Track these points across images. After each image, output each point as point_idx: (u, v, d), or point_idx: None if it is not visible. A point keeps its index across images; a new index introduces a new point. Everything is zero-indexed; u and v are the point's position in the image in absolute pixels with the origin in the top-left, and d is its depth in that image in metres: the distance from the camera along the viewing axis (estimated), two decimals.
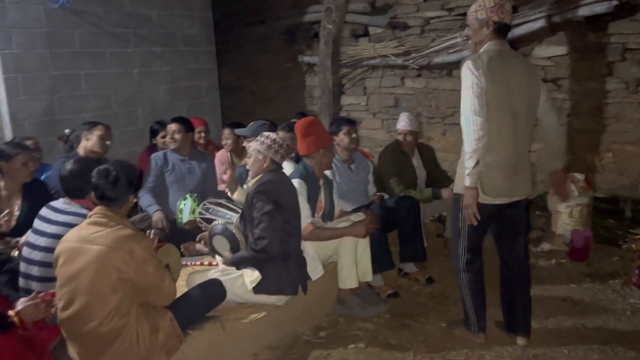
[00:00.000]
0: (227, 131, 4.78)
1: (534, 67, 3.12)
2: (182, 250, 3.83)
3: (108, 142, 3.95)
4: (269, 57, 7.16)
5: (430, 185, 4.26)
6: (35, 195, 3.34)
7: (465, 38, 5.18)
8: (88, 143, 3.87)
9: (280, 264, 2.98)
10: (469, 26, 2.81)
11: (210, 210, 3.63)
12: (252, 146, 3.13)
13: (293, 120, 4.69)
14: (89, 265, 2.36)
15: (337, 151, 3.85)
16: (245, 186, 3.74)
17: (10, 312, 2.31)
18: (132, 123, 5.36)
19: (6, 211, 3.07)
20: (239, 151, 4.78)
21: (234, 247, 3.09)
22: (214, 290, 2.77)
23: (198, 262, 3.71)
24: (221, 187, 4.60)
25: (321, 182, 3.45)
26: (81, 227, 2.48)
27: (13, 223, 3.00)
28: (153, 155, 4.22)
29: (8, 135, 4.44)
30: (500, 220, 2.90)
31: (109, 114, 5.12)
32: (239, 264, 3.02)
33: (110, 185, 2.46)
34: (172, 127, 4.12)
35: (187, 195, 3.96)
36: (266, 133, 3.16)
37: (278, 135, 3.22)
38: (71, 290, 2.39)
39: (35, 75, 4.59)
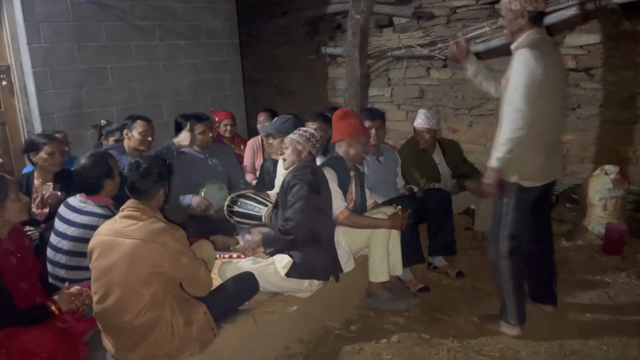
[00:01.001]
0: (261, 116, 4.77)
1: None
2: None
3: (150, 138, 3.89)
4: (291, 49, 7.12)
5: (457, 179, 4.21)
6: (67, 184, 3.38)
7: (494, 27, 5.10)
8: (130, 142, 3.84)
9: (311, 248, 2.98)
10: (504, 17, 2.81)
11: (239, 202, 3.63)
12: (292, 137, 3.17)
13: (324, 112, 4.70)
14: (123, 258, 2.37)
15: None
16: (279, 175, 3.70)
17: (49, 303, 2.33)
18: (158, 116, 5.36)
19: (38, 197, 3.12)
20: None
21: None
22: (247, 283, 2.76)
23: (227, 255, 3.71)
24: (249, 177, 4.59)
25: (352, 173, 3.42)
26: (114, 220, 2.49)
27: (47, 211, 3.03)
28: (176, 157, 4.18)
29: (37, 128, 4.48)
30: (539, 200, 2.89)
31: (135, 107, 5.13)
32: (268, 245, 3.05)
33: (140, 177, 2.46)
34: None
35: (206, 183, 3.93)
36: (306, 128, 3.22)
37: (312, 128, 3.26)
38: (106, 283, 2.40)
39: (64, 69, 4.61)
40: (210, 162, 4.14)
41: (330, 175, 3.24)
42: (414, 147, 4.06)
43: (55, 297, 2.39)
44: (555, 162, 2.85)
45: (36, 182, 3.44)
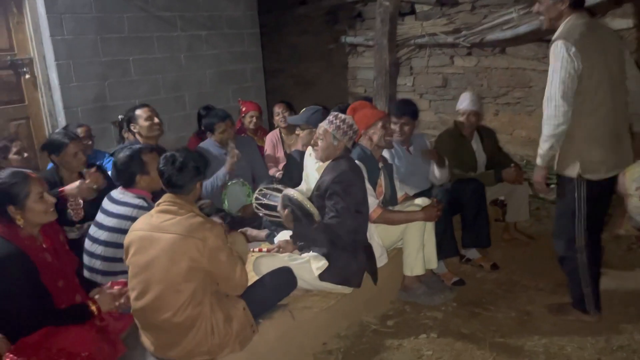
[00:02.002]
0: (279, 108, 4.69)
1: (615, 32, 3.06)
2: None
3: (156, 120, 3.79)
4: (310, 38, 7.02)
5: (491, 169, 4.10)
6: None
7: (521, 13, 4.96)
8: (142, 133, 3.78)
9: (348, 254, 2.89)
10: (541, 3, 2.71)
11: (268, 195, 3.55)
12: (325, 128, 2.98)
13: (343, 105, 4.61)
14: (162, 253, 2.31)
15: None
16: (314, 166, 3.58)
17: (89, 302, 2.28)
18: (180, 108, 5.31)
19: (73, 201, 3.06)
20: (290, 128, 4.69)
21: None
22: (285, 278, 2.70)
23: (257, 249, 3.66)
24: (272, 171, 4.53)
25: (380, 165, 3.33)
26: (150, 214, 2.43)
27: (82, 213, 2.98)
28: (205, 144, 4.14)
29: (62, 122, 4.44)
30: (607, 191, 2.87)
31: (157, 100, 5.07)
32: (301, 238, 2.95)
33: (176, 171, 2.40)
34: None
35: (228, 184, 3.89)
36: (341, 115, 3.02)
37: (349, 116, 3.09)
38: (144, 279, 2.35)
39: (87, 61, 4.56)
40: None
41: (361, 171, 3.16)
42: (454, 134, 3.95)
43: (96, 297, 2.34)
44: (620, 153, 2.74)
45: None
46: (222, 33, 5.64)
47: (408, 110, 3.73)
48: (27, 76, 4.39)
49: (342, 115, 3.01)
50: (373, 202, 3.12)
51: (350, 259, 2.89)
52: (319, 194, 2.95)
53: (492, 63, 5.56)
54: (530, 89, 5.34)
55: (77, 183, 2.99)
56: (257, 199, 3.58)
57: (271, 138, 4.74)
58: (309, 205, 2.93)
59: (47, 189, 2.34)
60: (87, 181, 3.02)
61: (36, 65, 4.42)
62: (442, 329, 2.96)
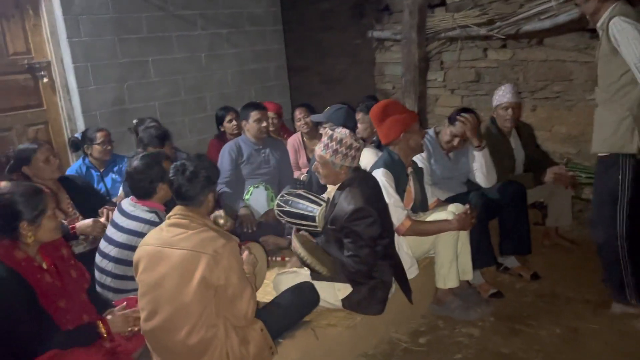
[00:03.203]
0: (300, 113, 4.48)
1: None
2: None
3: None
4: (336, 34, 6.79)
5: (529, 168, 3.82)
6: (77, 189, 3.19)
7: (561, 1, 4.64)
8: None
9: (374, 281, 2.65)
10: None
11: (290, 202, 3.34)
12: (320, 154, 2.66)
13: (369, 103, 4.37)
14: (172, 271, 2.14)
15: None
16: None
17: (99, 323, 2.12)
18: (201, 109, 5.16)
19: (84, 239, 2.93)
20: (311, 133, 4.50)
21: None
22: (307, 295, 2.50)
23: (279, 258, 3.48)
24: (296, 174, 4.35)
25: (409, 170, 3.08)
26: (161, 228, 2.26)
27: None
28: (226, 147, 3.98)
29: (80, 126, 4.33)
30: None
31: (177, 101, 4.94)
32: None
33: (187, 182, 2.22)
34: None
35: (251, 188, 3.73)
36: (336, 135, 2.62)
37: (346, 132, 2.67)
38: (154, 299, 2.18)
39: (105, 63, 4.45)
40: (263, 154, 3.91)
41: (388, 179, 2.90)
42: (491, 132, 3.67)
43: (108, 318, 2.18)
44: None
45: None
46: (244, 31, 5.46)
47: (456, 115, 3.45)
48: (45, 80, 4.31)
49: (338, 135, 2.60)
50: (401, 213, 2.88)
51: (376, 287, 2.66)
52: (335, 229, 2.65)
53: (528, 55, 5.24)
54: (570, 82, 5.01)
55: (90, 221, 2.82)
56: (278, 205, 3.39)
57: (292, 143, 4.55)
58: (318, 267, 2.61)
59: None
60: (102, 219, 2.87)
61: (54, 68, 4.32)
62: (480, 348, 2.72)
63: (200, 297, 2.12)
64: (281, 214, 3.37)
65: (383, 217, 2.68)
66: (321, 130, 3.79)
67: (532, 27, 4.93)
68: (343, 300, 2.63)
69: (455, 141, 3.42)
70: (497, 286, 3.30)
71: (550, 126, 5.22)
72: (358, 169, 2.74)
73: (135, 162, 2.67)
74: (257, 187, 3.77)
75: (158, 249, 2.19)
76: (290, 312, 2.43)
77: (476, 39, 5.50)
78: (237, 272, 2.18)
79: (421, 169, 3.20)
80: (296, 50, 7.05)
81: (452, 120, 3.46)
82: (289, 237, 3.70)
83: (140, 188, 2.65)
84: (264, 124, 3.91)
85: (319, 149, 2.68)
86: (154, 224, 2.56)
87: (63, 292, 2.11)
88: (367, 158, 3.24)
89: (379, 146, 3.46)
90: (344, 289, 2.63)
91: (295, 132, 5.10)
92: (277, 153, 4.04)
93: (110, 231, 2.65)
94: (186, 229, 2.21)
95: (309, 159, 4.50)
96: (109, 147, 3.94)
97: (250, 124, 3.87)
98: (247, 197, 3.72)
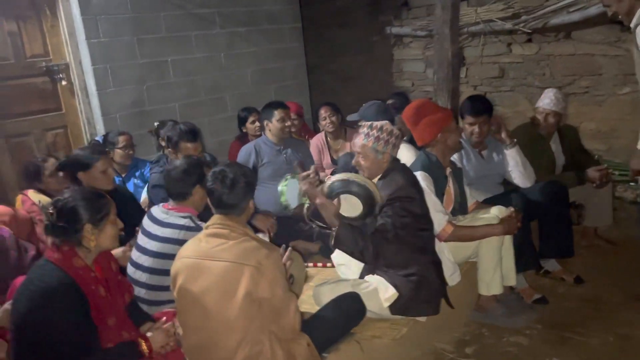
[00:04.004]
0: (325, 111, 4.34)
1: None
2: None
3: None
4: (352, 31, 6.65)
5: (568, 169, 3.68)
6: (124, 203, 3.08)
7: None
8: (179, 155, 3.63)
9: (418, 278, 2.52)
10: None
11: None
12: (361, 144, 2.55)
13: (390, 101, 4.24)
14: (214, 285, 2.03)
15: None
16: None
17: (140, 341, 2.00)
18: (221, 110, 5.04)
19: None
20: (336, 132, 4.37)
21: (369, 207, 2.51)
22: (352, 307, 2.37)
23: (311, 264, 3.36)
24: (321, 175, 4.22)
25: (448, 171, 2.95)
26: (199, 239, 2.15)
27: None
28: (244, 149, 3.85)
29: (100, 130, 4.22)
30: None
31: (197, 102, 4.83)
32: (343, 242, 2.42)
33: (227, 190, 2.11)
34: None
35: (288, 176, 3.58)
36: (376, 124, 2.57)
37: (385, 121, 2.65)
38: (195, 314, 2.07)
39: (124, 64, 4.33)
40: (285, 155, 3.78)
41: (427, 182, 2.75)
42: (529, 133, 3.52)
43: (149, 334, 2.07)
44: None
45: None
46: (262, 29, 5.34)
47: (483, 109, 3.27)
48: (64, 83, 4.19)
49: (377, 124, 2.57)
50: (442, 218, 2.74)
51: (422, 285, 2.52)
52: (375, 214, 2.53)
53: (555, 49, 5.09)
54: (599, 77, 4.87)
55: (120, 251, 2.68)
56: (308, 209, 3.27)
57: (316, 143, 4.42)
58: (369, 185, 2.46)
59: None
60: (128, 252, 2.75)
61: (72, 70, 4.20)
62: (531, 359, 2.58)
63: (245, 311, 2.01)
64: (311, 218, 3.25)
65: (423, 208, 2.56)
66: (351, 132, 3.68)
67: (560, 20, 4.80)
68: (390, 306, 2.49)
69: (476, 127, 3.26)
70: (538, 290, 3.16)
71: (579, 122, 5.06)
72: (398, 160, 2.65)
73: (177, 162, 2.60)
74: (294, 177, 3.62)
75: (198, 262, 2.08)
76: (337, 325, 2.30)
77: (500, 34, 5.36)
78: (281, 283, 2.07)
79: (460, 169, 3.07)
80: (311, 48, 6.91)
81: (461, 113, 3.34)
82: (319, 241, 3.59)
83: (177, 188, 2.56)
84: (287, 123, 3.81)
85: (358, 141, 2.58)
86: (190, 229, 2.46)
87: (113, 308, 2.00)
88: (405, 155, 3.11)
89: (412, 140, 3.31)
90: (390, 296, 2.50)
91: (316, 131, 4.98)
92: (299, 154, 3.92)
93: (143, 240, 2.54)
94: (226, 239, 2.09)
95: (333, 160, 4.38)
96: (131, 152, 3.84)
97: (274, 123, 3.76)
98: (284, 185, 3.56)
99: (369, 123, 2.62)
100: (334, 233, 2.43)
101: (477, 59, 5.64)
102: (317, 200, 2.48)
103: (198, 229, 2.44)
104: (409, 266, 2.50)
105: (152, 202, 3.52)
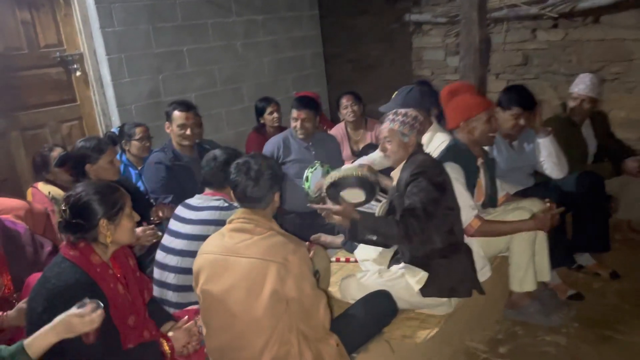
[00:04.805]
0: (347, 100, 4.20)
1: None
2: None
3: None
4: (370, 18, 6.49)
5: (600, 158, 3.52)
6: (130, 191, 3.01)
7: None
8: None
9: (448, 258, 2.40)
10: None
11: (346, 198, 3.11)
12: (388, 128, 2.50)
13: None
14: (239, 282, 1.92)
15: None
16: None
17: (162, 341, 1.90)
18: (238, 101, 4.93)
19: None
20: (357, 122, 4.23)
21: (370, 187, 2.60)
22: (383, 306, 2.26)
23: (334, 259, 3.24)
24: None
25: (480, 161, 2.80)
26: (222, 234, 2.04)
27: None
28: (271, 142, 3.72)
29: (115, 121, 4.13)
30: None
31: (213, 93, 4.71)
32: (372, 229, 2.32)
33: (252, 182, 2.00)
34: (302, 114, 3.59)
35: (317, 163, 3.46)
36: (401, 110, 2.56)
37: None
38: (220, 313, 1.97)
39: (139, 53, 4.22)
40: (313, 152, 3.65)
41: (456, 174, 2.61)
42: (562, 122, 3.36)
43: (170, 334, 1.97)
44: None
45: None
46: (280, 17, 5.20)
47: (524, 102, 3.07)
48: (78, 73, 4.10)
49: (402, 110, 2.56)
50: (470, 212, 2.59)
51: (453, 263, 2.41)
52: (399, 194, 2.46)
53: (583, 35, 4.89)
54: (630, 63, 4.67)
55: (139, 230, 2.63)
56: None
57: (336, 134, 4.28)
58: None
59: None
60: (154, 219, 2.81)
61: (87, 60, 4.11)
62: (569, 359, 2.45)
63: (273, 310, 1.90)
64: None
65: (449, 187, 2.47)
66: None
67: (589, 4, 4.60)
68: (422, 289, 2.37)
69: (522, 121, 3.10)
70: (572, 286, 3.03)
71: (608, 110, 4.84)
72: (422, 146, 2.57)
73: (217, 152, 2.53)
74: (322, 166, 3.50)
75: (222, 258, 1.98)
76: (367, 324, 2.19)
77: (524, 19, 5.17)
78: (309, 280, 1.96)
79: (493, 160, 2.91)
80: (328, 37, 6.76)
81: (505, 103, 3.13)
82: (341, 235, 3.47)
83: (216, 177, 2.49)
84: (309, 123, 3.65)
85: (385, 126, 2.53)
86: (224, 209, 2.40)
87: (133, 307, 1.91)
88: (435, 138, 3.00)
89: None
90: (420, 278, 2.37)
91: (334, 122, 4.85)
92: (327, 148, 3.77)
93: (177, 226, 2.46)
94: (251, 234, 1.98)
95: (353, 152, 4.24)
96: (148, 144, 3.74)
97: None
98: (310, 170, 3.44)
99: (394, 110, 2.56)
100: (357, 225, 2.33)
101: (500, 45, 5.45)
102: (335, 216, 2.42)
103: (231, 207, 2.38)
104: (437, 246, 2.39)
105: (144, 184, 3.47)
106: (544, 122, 3.26)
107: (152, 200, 3.30)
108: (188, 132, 3.30)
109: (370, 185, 2.58)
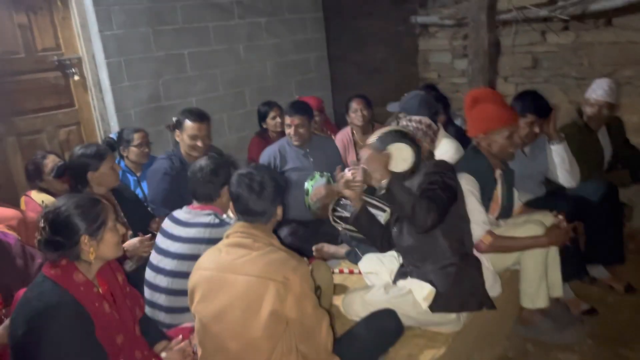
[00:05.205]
0: (358, 104, 4.07)
1: None
2: (313, 253, 3.30)
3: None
4: (375, 21, 6.38)
5: (615, 166, 3.40)
6: (126, 200, 2.96)
7: None
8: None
9: (459, 271, 2.28)
10: None
11: (348, 207, 3.00)
12: None
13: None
14: (236, 301, 1.82)
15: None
16: None
17: None
18: (240, 105, 4.83)
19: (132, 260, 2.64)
20: (365, 127, 4.11)
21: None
22: (388, 326, 2.14)
23: (337, 270, 3.13)
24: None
25: (498, 173, 2.67)
26: (219, 249, 1.94)
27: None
28: (267, 152, 3.61)
29: (114, 126, 4.04)
30: None
31: (215, 97, 4.61)
32: (398, 193, 2.16)
33: (255, 196, 1.89)
34: (295, 120, 3.46)
35: (316, 174, 3.37)
36: (414, 117, 2.48)
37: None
38: (216, 334, 1.86)
39: (139, 57, 4.13)
40: (311, 159, 3.53)
41: (471, 186, 2.48)
42: (579, 128, 3.24)
43: (163, 355, 1.86)
44: None
45: None
46: (283, 19, 5.10)
47: (537, 107, 2.94)
48: (76, 77, 4.00)
49: (416, 117, 2.48)
50: (482, 228, 2.46)
51: (462, 276, 2.28)
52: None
53: (595, 38, 4.78)
54: None
55: (136, 240, 2.56)
56: (333, 210, 3.04)
57: (342, 138, 4.16)
58: None
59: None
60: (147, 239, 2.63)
61: (85, 65, 4.01)
62: None
63: (271, 331, 1.80)
64: (338, 220, 3.03)
65: (460, 196, 2.33)
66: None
67: (601, 6, 4.48)
68: (431, 306, 2.24)
69: (536, 128, 2.97)
70: (585, 300, 2.90)
71: (620, 115, 4.73)
72: (433, 154, 2.48)
73: (203, 162, 2.40)
74: (322, 175, 3.40)
75: (218, 275, 1.87)
76: (371, 346, 2.07)
77: (533, 22, 5.05)
78: (311, 299, 1.85)
79: (512, 171, 2.76)
80: (333, 39, 6.67)
81: (520, 110, 2.96)
82: (344, 244, 3.37)
83: (204, 190, 2.38)
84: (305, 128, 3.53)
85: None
86: (215, 226, 2.29)
87: (121, 326, 1.80)
88: (444, 147, 2.88)
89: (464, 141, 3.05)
90: (427, 294, 2.25)
91: (338, 126, 4.75)
92: (327, 153, 3.67)
93: (165, 244, 2.34)
94: (249, 249, 1.88)
95: (358, 157, 4.13)
96: (147, 150, 3.65)
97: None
98: (310, 183, 3.34)
99: (408, 117, 2.49)
100: (388, 183, 2.17)
101: (509, 48, 5.35)
102: (365, 154, 2.28)
103: (223, 224, 2.28)
104: (446, 257, 2.27)
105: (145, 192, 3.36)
106: (560, 129, 3.14)
107: (149, 209, 3.21)
108: (199, 143, 3.15)
109: (420, 153, 2.29)
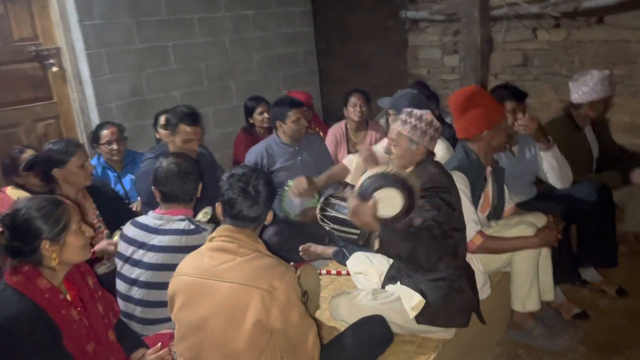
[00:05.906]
0: (358, 99, 3.96)
1: None
2: (300, 254, 3.21)
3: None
4: (364, 15, 6.28)
5: (603, 166, 3.35)
6: (105, 198, 2.85)
7: None
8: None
9: (448, 284, 2.20)
10: None
11: (336, 207, 2.89)
12: (397, 130, 2.30)
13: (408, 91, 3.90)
14: (218, 310, 1.73)
15: None
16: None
17: None
18: (226, 100, 4.71)
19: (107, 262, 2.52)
20: (360, 124, 4.01)
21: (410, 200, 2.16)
22: (377, 334, 2.05)
23: (324, 271, 3.04)
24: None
25: (488, 170, 2.61)
26: (201, 254, 1.84)
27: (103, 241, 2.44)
28: (253, 152, 3.49)
29: (95, 120, 3.90)
30: None
31: (200, 91, 4.49)
32: (392, 242, 2.08)
33: (250, 202, 1.80)
34: (302, 112, 3.42)
35: (289, 183, 3.27)
36: (416, 112, 2.32)
37: (426, 110, 2.38)
38: (196, 343, 1.77)
39: (121, 49, 3.99)
40: (300, 158, 3.43)
41: (462, 184, 2.41)
42: (566, 125, 3.19)
43: None
44: None
45: None
46: (271, 12, 4.98)
47: (510, 93, 2.98)
48: (55, 69, 3.86)
49: (418, 112, 2.31)
50: (472, 228, 2.40)
51: (453, 291, 2.21)
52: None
53: (586, 35, 4.73)
54: (635, 66, 4.52)
55: (105, 243, 2.43)
56: (322, 209, 2.94)
57: (335, 133, 4.06)
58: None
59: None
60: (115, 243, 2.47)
61: (64, 56, 3.87)
62: None
63: (255, 342, 1.71)
64: (325, 220, 2.93)
65: (457, 203, 2.25)
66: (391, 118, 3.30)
67: (594, 3, 4.43)
68: (417, 317, 2.18)
69: (519, 114, 2.91)
70: (577, 304, 2.85)
71: (611, 114, 4.71)
72: (433, 154, 2.35)
73: (169, 164, 2.27)
74: (284, 198, 3.31)
75: (199, 281, 1.77)
76: (359, 355, 1.99)
77: (524, 19, 4.99)
78: (298, 308, 1.76)
79: (502, 168, 2.71)
80: (320, 33, 6.55)
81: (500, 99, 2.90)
82: (332, 245, 3.28)
83: (182, 191, 2.27)
84: (302, 121, 3.44)
85: (396, 126, 2.31)
86: (190, 232, 2.19)
87: (91, 333, 1.70)
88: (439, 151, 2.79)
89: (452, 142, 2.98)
90: (416, 304, 2.18)
91: (327, 122, 4.66)
92: (315, 150, 3.57)
93: (138, 254, 2.21)
94: (234, 254, 1.78)
95: (350, 153, 4.03)
96: (116, 147, 3.48)
97: (288, 125, 3.38)
98: (282, 194, 3.25)
99: (409, 110, 2.33)
100: (379, 237, 2.09)
101: (499, 45, 5.27)
102: (351, 205, 2.16)
103: (198, 230, 2.19)
104: (439, 270, 2.18)
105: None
106: (547, 124, 3.08)
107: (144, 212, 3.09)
108: (194, 146, 3.04)
109: (412, 196, 2.13)
